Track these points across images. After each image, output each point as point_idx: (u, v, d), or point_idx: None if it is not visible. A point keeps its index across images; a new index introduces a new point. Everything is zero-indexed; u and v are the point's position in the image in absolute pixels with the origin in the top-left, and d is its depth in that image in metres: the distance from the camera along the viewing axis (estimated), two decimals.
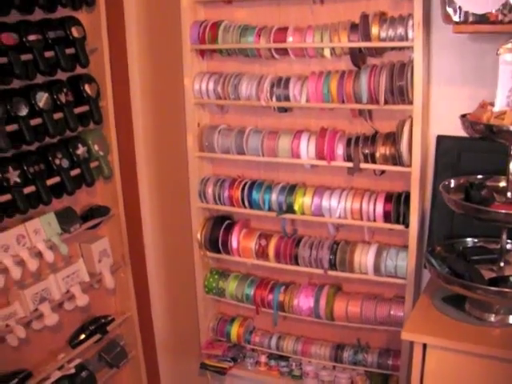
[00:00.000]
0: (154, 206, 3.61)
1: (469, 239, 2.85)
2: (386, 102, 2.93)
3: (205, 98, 3.41)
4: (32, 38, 2.75)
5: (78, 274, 3.15)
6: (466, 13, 2.45)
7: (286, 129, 3.30)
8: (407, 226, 3.02)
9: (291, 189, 3.30)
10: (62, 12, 2.96)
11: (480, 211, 2.48)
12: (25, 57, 2.74)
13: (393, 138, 2.99)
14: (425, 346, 2.47)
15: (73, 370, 3.14)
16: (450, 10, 2.48)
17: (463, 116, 2.62)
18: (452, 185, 2.77)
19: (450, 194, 2.66)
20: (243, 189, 3.40)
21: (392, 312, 3.19)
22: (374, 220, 3.11)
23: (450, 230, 2.99)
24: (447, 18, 2.52)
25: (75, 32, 2.99)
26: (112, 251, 3.38)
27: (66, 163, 2.98)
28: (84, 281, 3.18)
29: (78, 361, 3.20)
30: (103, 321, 3.39)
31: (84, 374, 3.20)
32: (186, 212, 3.63)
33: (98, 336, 3.33)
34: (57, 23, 2.92)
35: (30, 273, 2.92)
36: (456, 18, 2.49)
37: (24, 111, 2.73)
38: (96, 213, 3.28)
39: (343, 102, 3.04)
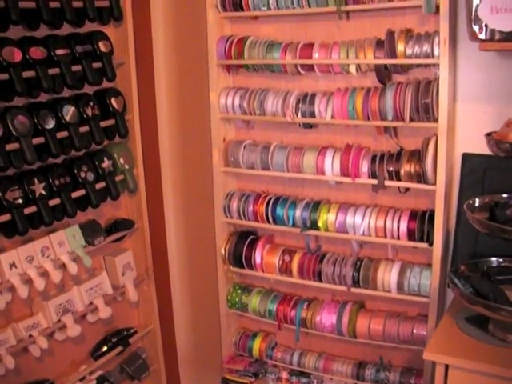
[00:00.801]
0: (178, 219, 3.62)
1: (493, 259, 2.82)
2: (411, 120, 2.92)
3: (230, 113, 3.42)
4: (60, 52, 2.79)
5: (101, 287, 3.16)
6: (493, 30, 2.43)
7: (311, 145, 3.30)
8: (431, 244, 3.00)
9: (315, 205, 3.29)
10: (89, 27, 3.00)
11: (505, 231, 2.46)
12: (52, 71, 2.77)
13: (418, 156, 2.97)
14: (447, 366, 2.45)
15: (94, 382, 3.16)
16: (476, 28, 2.47)
17: (488, 134, 2.61)
18: (477, 203, 2.75)
19: (474, 213, 2.64)
20: (268, 204, 3.40)
21: (415, 331, 3.16)
22: (398, 238, 3.09)
23: (475, 249, 2.96)
24: (473, 36, 2.51)
25: (102, 46, 3.02)
26: (136, 264, 3.40)
27: (91, 176, 3.00)
28: (107, 293, 3.20)
29: (99, 372, 3.21)
30: (126, 333, 3.40)
31: None
32: (211, 226, 3.63)
33: (120, 348, 3.34)
34: (84, 38, 2.95)
35: (53, 284, 2.94)
36: (482, 36, 2.47)
37: (51, 124, 2.76)
38: (120, 226, 3.30)
39: (368, 118, 3.03)
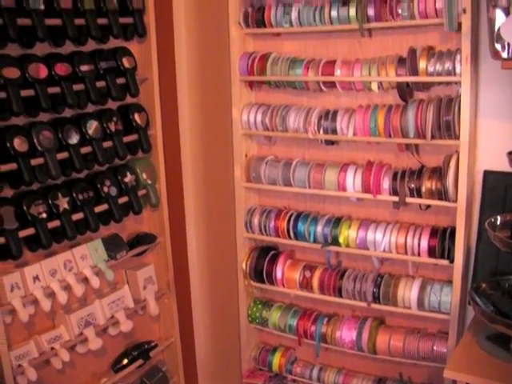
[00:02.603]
0: (199, 234, 3.65)
1: None
2: (432, 137, 2.91)
3: (253, 129, 3.43)
4: (84, 68, 2.83)
5: (122, 300, 3.19)
6: None
7: (333, 161, 3.31)
8: (452, 261, 2.99)
9: (337, 221, 3.30)
10: (114, 43, 3.04)
11: None
12: (77, 86, 2.81)
13: (439, 173, 2.97)
14: None
15: None
16: (498, 47, 2.47)
17: (510, 153, 2.61)
18: (498, 221, 2.74)
19: (495, 231, 2.63)
20: (289, 220, 3.40)
21: (435, 348, 3.15)
22: (419, 254, 3.09)
23: (496, 266, 2.95)
24: (496, 54, 2.51)
25: (126, 62, 3.06)
26: (157, 278, 3.42)
27: (114, 191, 3.03)
28: (129, 307, 3.22)
29: None
30: (146, 346, 3.42)
31: None
32: (232, 241, 3.64)
33: (140, 361, 3.36)
34: (109, 54, 3.00)
35: (76, 297, 2.97)
36: (504, 55, 2.47)
37: (75, 139, 2.81)
38: (142, 240, 3.33)
39: (390, 136, 3.04)
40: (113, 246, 3.12)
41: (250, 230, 3.56)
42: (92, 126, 2.90)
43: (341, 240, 3.26)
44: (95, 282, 2.98)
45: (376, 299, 3.23)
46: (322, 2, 3.12)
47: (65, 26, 2.71)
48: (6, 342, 2.64)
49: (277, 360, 3.70)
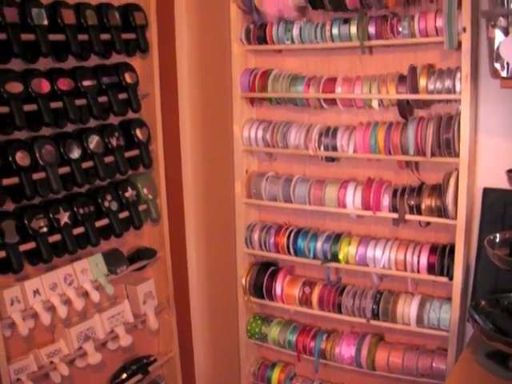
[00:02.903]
0: (200, 249, 3.66)
1: None
2: (432, 154, 2.92)
3: (253, 145, 3.44)
4: (87, 83, 2.85)
5: (122, 315, 3.19)
6: None
7: (333, 178, 3.32)
8: (451, 278, 2.99)
9: (336, 238, 3.30)
10: (116, 58, 3.06)
11: None
12: (79, 102, 2.83)
13: (439, 190, 2.98)
14: None
15: None
16: (497, 66, 2.48)
17: (510, 171, 2.62)
18: (497, 239, 2.74)
19: (494, 249, 2.63)
20: (289, 236, 3.40)
21: (434, 364, 3.14)
22: (418, 271, 3.09)
23: (496, 283, 2.94)
24: (495, 73, 2.52)
25: (128, 78, 3.08)
26: (157, 293, 3.42)
27: (115, 206, 3.05)
28: (128, 321, 3.23)
29: None
30: (145, 361, 3.42)
31: None
32: (232, 257, 3.64)
33: (139, 376, 3.37)
34: (111, 69, 3.02)
35: (75, 312, 2.98)
36: (504, 74, 2.48)
37: (76, 154, 2.82)
38: (143, 255, 3.33)
39: (390, 153, 3.05)
40: (113, 260, 3.13)
41: (249, 246, 3.56)
42: (94, 141, 2.91)
43: (340, 256, 3.27)
44: (95, 297, 2.99)
45: (375, 316, 3.23)
46: (323, 19, 3.15)
47: (68, 42, 2.74)
48: (6, 356, 2.65)
49: (276, 375, 3.69)
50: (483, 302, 2.74)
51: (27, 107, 2.60)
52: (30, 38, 2.59)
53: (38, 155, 2.64)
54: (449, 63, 2.96)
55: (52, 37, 2.67)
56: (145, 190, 3.25)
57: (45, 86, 2.67)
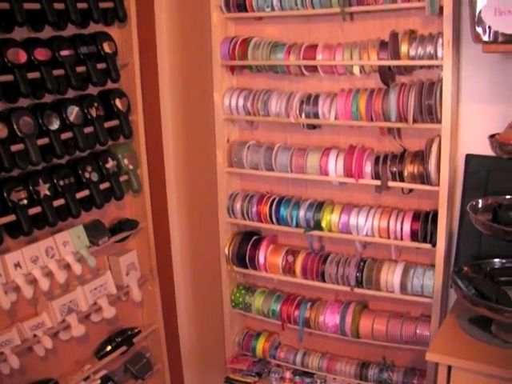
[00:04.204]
0: (182, 220, 3.64)
1: (496, 260, 2.82)
2: (414, 121, 2.92)
3: (234, 113, 3.42)
4: (64, 53, 2.80)
5: (105, 287, 3.18)
6: (496, 32, 2.43)
7: (315, 146, 3.31)
8: (434, 245, 3.00)
9: (319, 206, 3.30)
10: (94, 27, 3.01)
11: (508, 233, 2.46)
12: (57, 72, 2.78)
13: (421, 157, 2.97)
14: (450, 367, 2.45)
15: (98, 381, 3.18)
16: (479, 30, 2.47)
17: (492, 136, 2.62)
18: (480, 205, 2.75)
19: (477, 215, 2.64)
20: (271, 205, 3.40)
21: (418, 331, 3.17)
22: (401, 238, 3.10)
23: (478, 250, 2.96)
24: (477, 38, 2.51)
25: (107, 47, 3.04)
26: (140, 264, 3.41)
27: (95, 177, 3.02)
28: (111, 293, 3.21)
29: (103, 372, 3.24)
30: (130, 333, 3.41)
31: None
32: (214, 226, 3.64)
33: (124, 348, 3.36)
34: (89, 39, 2.97)
35: (58, 284, 2.96)
36: (485, 38, 2.47)
37: (55, 125, 2.78)
38: (124, 226, 3.31)
39: (372, 119, 3.04)
40: (94, 232, 3.11)
41: (232, 215, 3.56)
42: (73, 112, 2.87)
43: (323, 224, 3.26)
44: (77, 269, 2.96)
45: (359, 283, 3.24)
46: None
47: (44, 10, 2.68)
48: None
49: (260, 345, 3.71)
50: (466, 268, 2.77)
51: (3, 78, 2.55)
52: (5, 7, 2.53)
53: (15, 127, 2.60)
54: (431, 29, 2.94)
55: (27, 5, 2.61)
56: (125, 161, 3.22)
57: (21, 56, 2.62)
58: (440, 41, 2.81)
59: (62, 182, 2.84)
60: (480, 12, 2.43)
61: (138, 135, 3.32)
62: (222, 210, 3.58)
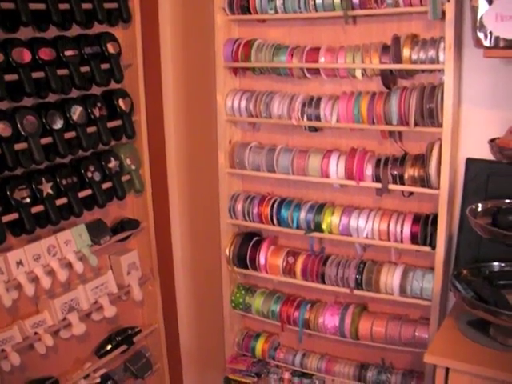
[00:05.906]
0: (183, 220, 3.65)
1: (495, 263, 2.83)
2: (415, 124, 2.93)
3: (237, 115, 3.43)
4: (69, 53, 2.82)
5: (106, 286, 3.19)
6: (497, 38, 2.44)
7: (316, 148, 3.32)
8: (434, 248, 3.01)
9: (320, 208, 3.31)
10: (98, 28, 3.03)
11: (507, 237, 2.47)
12: (61, 71, 2.80)
13: (422, 160, 2.99)
14: (448, 369, 2.46)
15: (98, 380, 3.19)
16: (480, 35, 2.48)
17: (492, 141, 2.63)
18: (479, 209, 2.76)
19: (477, 219, 2.65)
20: (272, 206, 3.41)
21: (417, 333, 3.18)
22: (401, 241, 3.11)
23: (477, 253, 2.97)
24: (478, 43, 2.52)
25: (111, 48, 3.05)
26: (141, 264, 3.42)
27: (97, 176, 3.03)
28: (112, 292, 3.23)
29: (103, 371, 3.25)
30: (130, 332, 3.42)
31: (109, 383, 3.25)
32: (216, 227, 3.65)
33: (124, 347, 3.37)
34: (93, 39, 2.99)
35: (59, 283, 2.97)
36: (487, 43, 2.48)
37: (59, 124, 2.80)
38: (126, 226, 3.33)
39: (373, 122, 3.05)
40: (96, 231, 3.12)
41: (233, 216, 3.57)
42: (76, 111, 2.89)
43: (324, 226, 3.28)
44: (79, 267, 2.98)
45: (359, 285, 3.25)
46: None
47: (49, 11, 2.70)
48: None
49: (260, 346, 3.72)
50: (465, 271, 2.78)
51: (8, 77, 2.57)
52: (10, 7, 2.55)
53: (19, 125, 2.61)
54: (433, 33, 2.95)
55: (32, 5, 2.63)
56: (128, 161, 3.23)
57: (26, 56, 2.64)
58: (442, 45, 2.82)
59: (64, 181, 2.86)
60: (481, 17, 2.44)
61: (141, 135, 3.34)
62: (224, 211, 3.59)
